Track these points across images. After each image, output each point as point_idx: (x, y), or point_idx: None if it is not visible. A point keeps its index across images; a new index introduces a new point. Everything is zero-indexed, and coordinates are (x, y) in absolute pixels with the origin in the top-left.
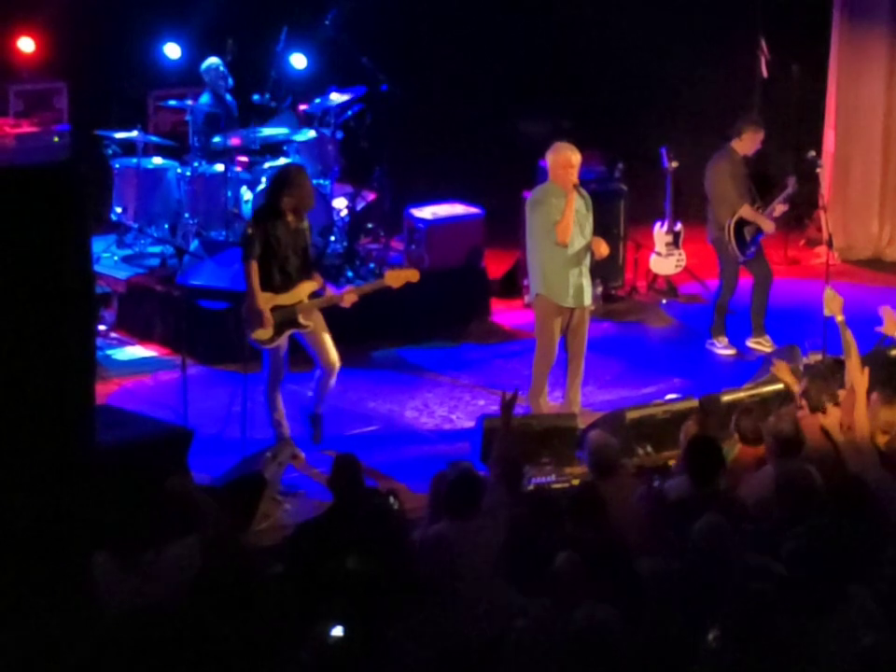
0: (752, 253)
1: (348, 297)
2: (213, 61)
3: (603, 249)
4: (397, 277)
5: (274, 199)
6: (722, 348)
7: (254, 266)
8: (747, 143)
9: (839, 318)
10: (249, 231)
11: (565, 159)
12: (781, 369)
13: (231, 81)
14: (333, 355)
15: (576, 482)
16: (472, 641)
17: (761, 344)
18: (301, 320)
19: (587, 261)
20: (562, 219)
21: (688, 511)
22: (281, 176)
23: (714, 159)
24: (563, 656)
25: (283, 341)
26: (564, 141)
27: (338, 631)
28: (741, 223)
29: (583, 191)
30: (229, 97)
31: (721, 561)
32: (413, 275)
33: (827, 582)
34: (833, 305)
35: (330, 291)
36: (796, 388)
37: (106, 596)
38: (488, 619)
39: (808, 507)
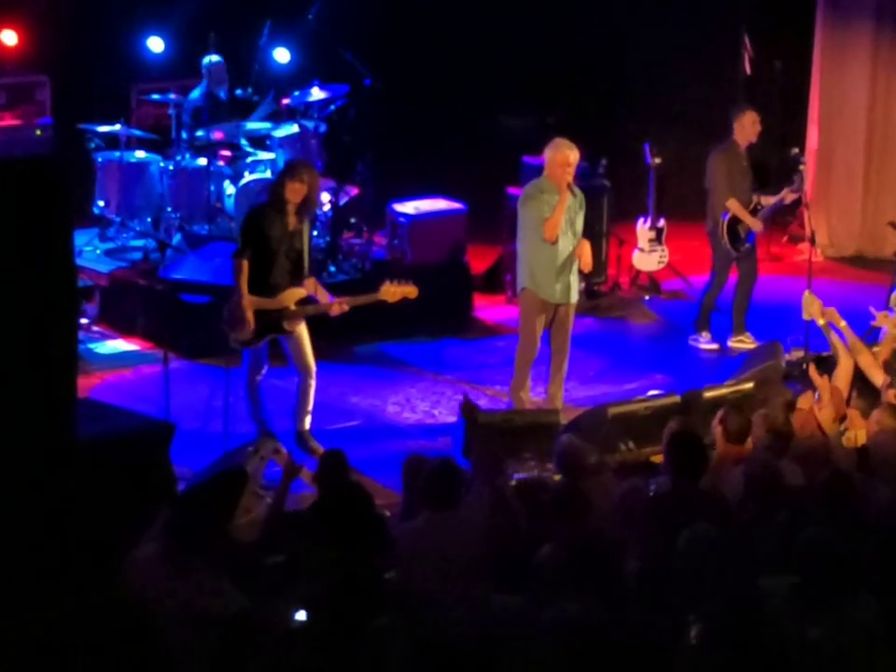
0: (745, 249)
1: (338, 307)
2: (216, 58)
3: (586, 257)
4: (393, 293)
5: (278, 187)
6: (705, 342)
7: (244, 265)
8: (746, 130)
9: (820, 322)
10: (245, 226)
11: (563, 157)
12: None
13: (227, 80)
14: (310, 359)
15: (558, 477)
16: (451, 640)
17: (742, 342)
18: (286, 326)
19: (575, 258)
20: (552, 216)
21: (671, 509)
22: (288, 165)
23: (714, 151)
24: (539, 653)
25: (261, 343)
26: (553, 137)
27: (301, 615)
28: (736, 219)
29: (576, 189)
30: (222, 94)
31: (708, 566)
32: (411, 291)
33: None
34: (811, 309)
35: (324, 294)
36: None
37: None
38: (467, 617)
39: (775, 503)
